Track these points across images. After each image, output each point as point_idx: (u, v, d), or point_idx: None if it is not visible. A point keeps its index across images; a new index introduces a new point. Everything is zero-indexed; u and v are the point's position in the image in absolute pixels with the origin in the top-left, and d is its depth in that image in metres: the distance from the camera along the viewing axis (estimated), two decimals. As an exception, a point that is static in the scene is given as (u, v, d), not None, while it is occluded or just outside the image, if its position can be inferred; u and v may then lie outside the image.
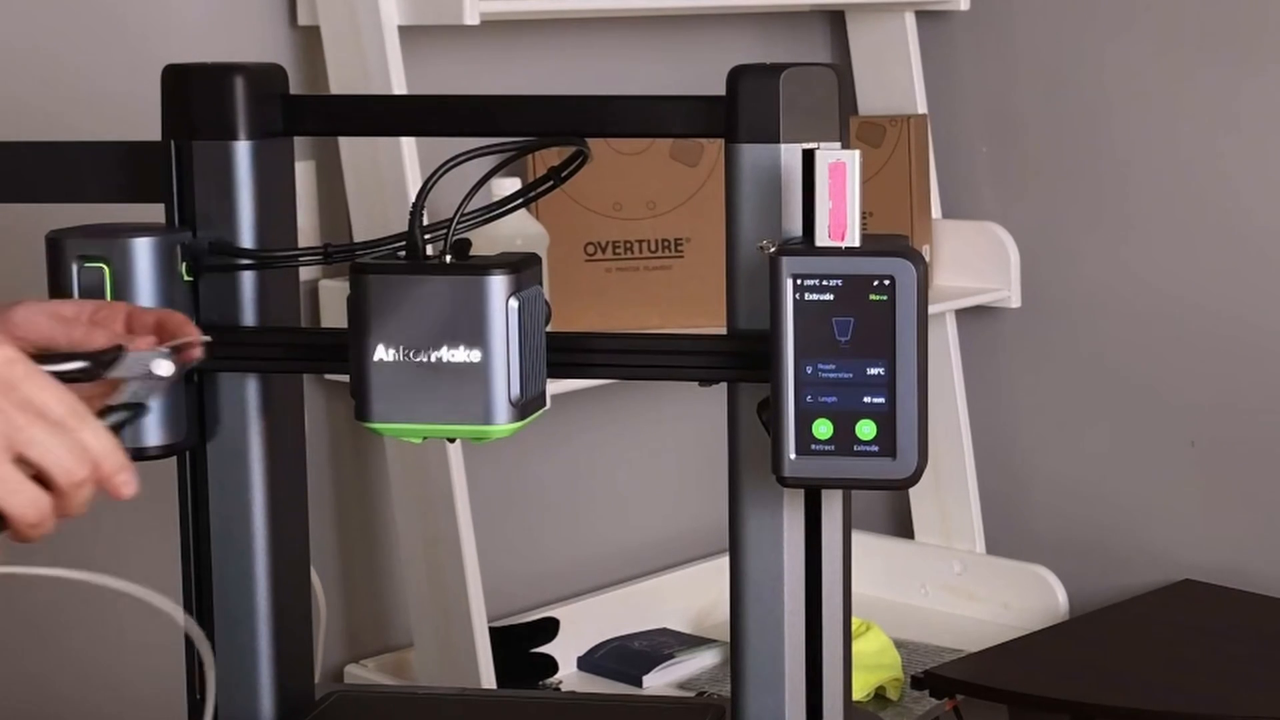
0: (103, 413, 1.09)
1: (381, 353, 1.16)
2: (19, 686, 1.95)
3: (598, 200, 2.22)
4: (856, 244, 1.16)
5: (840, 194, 1.15)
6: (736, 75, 1.23)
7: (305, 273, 1.99)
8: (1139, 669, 2.18)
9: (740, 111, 1.22)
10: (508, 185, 1.94)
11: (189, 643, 1.34)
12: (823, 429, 1.16)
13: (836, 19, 2.64)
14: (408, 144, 1.97)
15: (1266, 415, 2.40)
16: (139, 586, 1.13)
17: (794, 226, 1.21)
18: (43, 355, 1.08)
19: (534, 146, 1.30)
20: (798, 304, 1.15)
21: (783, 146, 1.21)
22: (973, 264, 2.53)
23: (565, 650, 2.25)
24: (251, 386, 1.31)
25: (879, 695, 2.23)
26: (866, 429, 1.15)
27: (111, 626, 2.02)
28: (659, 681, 2.26)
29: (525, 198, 1.26)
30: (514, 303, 1.15)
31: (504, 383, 1.15)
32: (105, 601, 2.01)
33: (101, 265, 1.22)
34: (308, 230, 2.00)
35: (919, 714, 2.20)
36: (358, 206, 2.06)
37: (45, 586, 1.98)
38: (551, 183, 1.27)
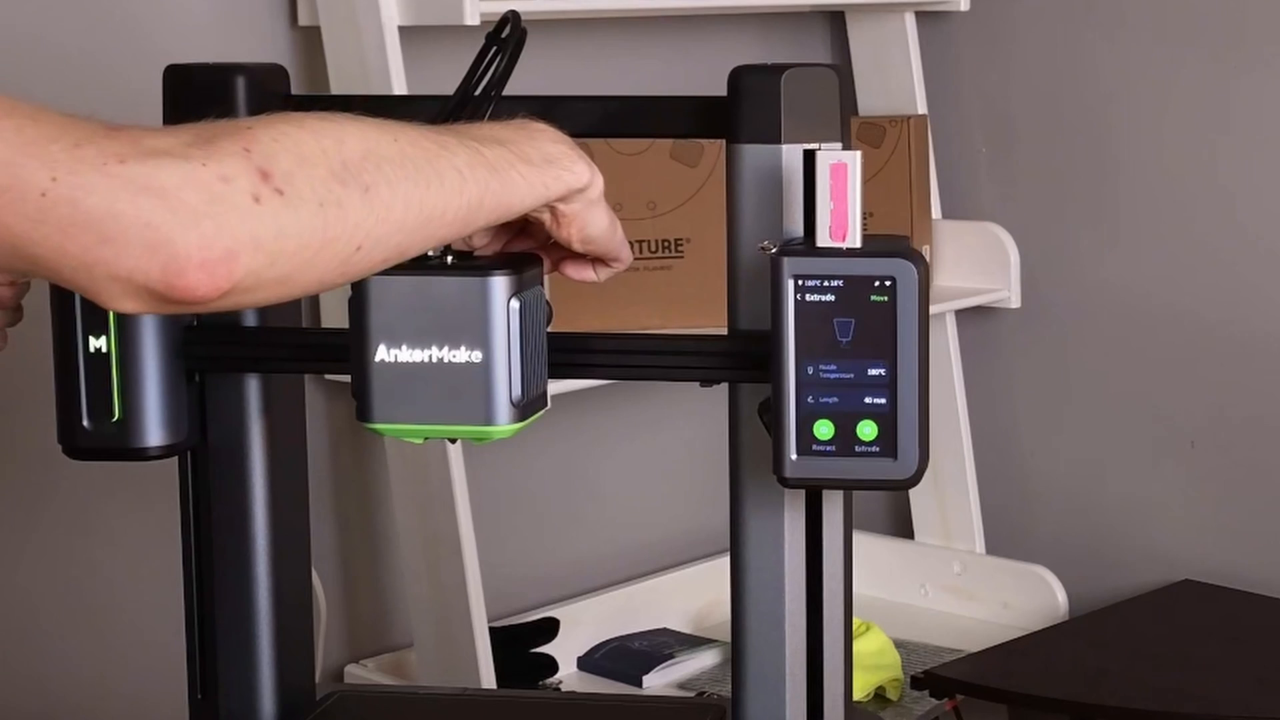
0: None
1: (382, 353, 1.16)
2: (18, 690, 1.94)
3: (598, 200, 2.21)
4: (858, 245, 1.16)
5: (841, 195, 1.15)
6: (737, 75, 1.23)
7: (305, 273, 1.99)
8: (1139, 669, 2.17)
9: (741, 112, 1.22)
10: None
11: (189, 644, 1.34)
12: (824, 429, 1.16)
13: (836, 19, 2.64)
14: (408, 144, 1.97)
15: (1266, 415, 2.40)
16: None
17: (795, 227, 1.21)
18: None
19: (534, 146, 1.30)
20: (799, 305, 1.15)
21: (784, 147, 1.21)
22: (973, 264, 2.53)
23: (565, 650, 2.25)
24: (251, 386, 1.31)
25: (879, 695, 2.23)
26: (867, 429, 1.15)
27: (111, 630, 2.02)
28: (659, 681, 2.26)
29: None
30: (515, 303, 1.15)
31: (505, 383, 1.15)
32: (105, 605, 2.01)
33: (103, 265, 1.22)
34: (308, 230, 2.00)
35: (919, 714, 2.20)
36: (358, 206, 2.05)
37: (43, 590, 1.99)
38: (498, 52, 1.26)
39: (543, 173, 1.11)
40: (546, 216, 1.15)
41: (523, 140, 1.11)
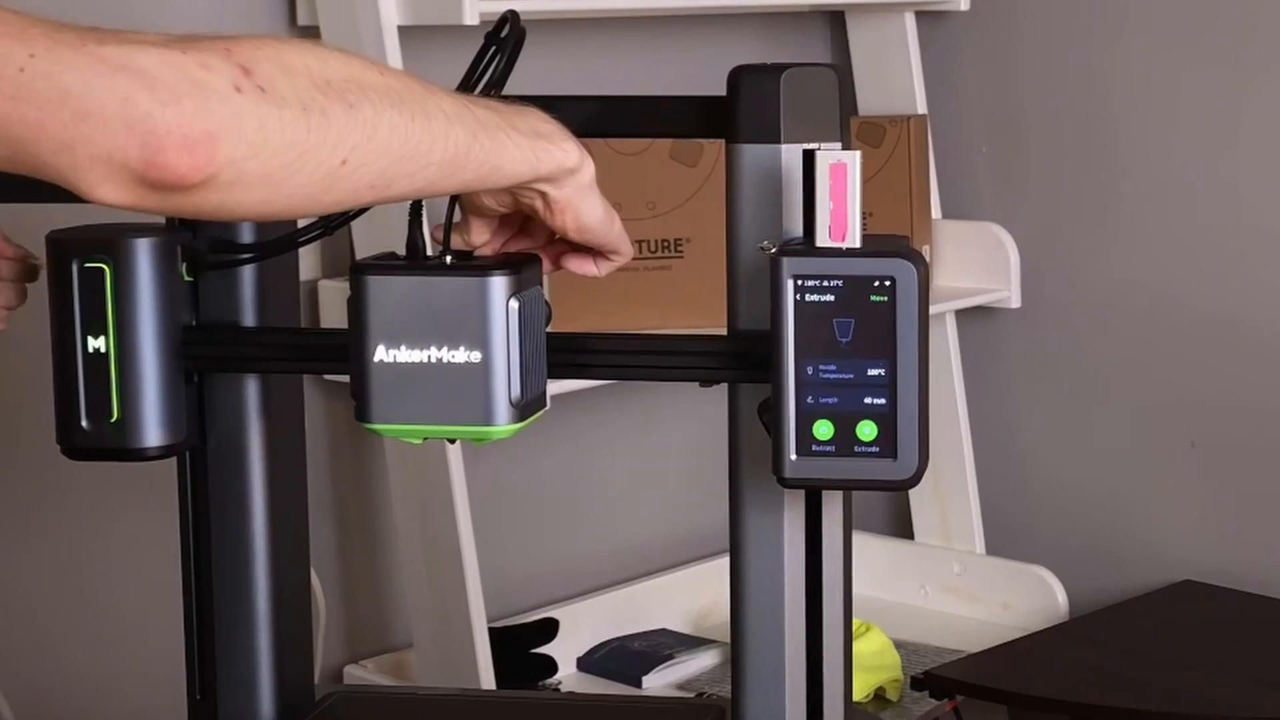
0: None
1: (381, 353, 1.16)
2: (17, 690, 1.94)
3: (598, 200, 2.21)
4: (857, 245, 1.16)
5: (841, 195, 1.15)
6: (737, 75, 1.22)
7: (305, 273, 1.99)
8: (1139, 669, 2.17)
9: (741, 112, 1.22)
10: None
11: (188, 644, 1.34)
12: (823, 430, 1.16)
13: (836, 19, 2.64)
14: (408, 144, 1.97)
15: (1267, 415, 2.40)
16: None
17: (794, 227, 1.21)
18: None
19: (534, 145, 1.30)
20: (798, 305, 1.15)
21: (783, 147, 1.21)
22: (973, 264, 2.53)
23: (565, 650, 2.25)
24: (251, 386, 1.31)
25: (879, 696, 2.23)
26: (867, 430, 1.15)
27: (110, 630, 2.02)
28: (659, 682, 2.26)
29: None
30: (514, 303, 1.15)
31: (504, 383, 1.15)
32: (104, 604, 2.01)
33: (103, 265, 1.22)
34: (308, 230, 2.00)
35: (919, 714, 2.20)
36: (358, 206, 2.05)
37: (43, 589, 1.99)
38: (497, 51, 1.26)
39: (533, 143, 1.11)
40: (539, 204, 1.15)
41: (512, 113, 1.11)
